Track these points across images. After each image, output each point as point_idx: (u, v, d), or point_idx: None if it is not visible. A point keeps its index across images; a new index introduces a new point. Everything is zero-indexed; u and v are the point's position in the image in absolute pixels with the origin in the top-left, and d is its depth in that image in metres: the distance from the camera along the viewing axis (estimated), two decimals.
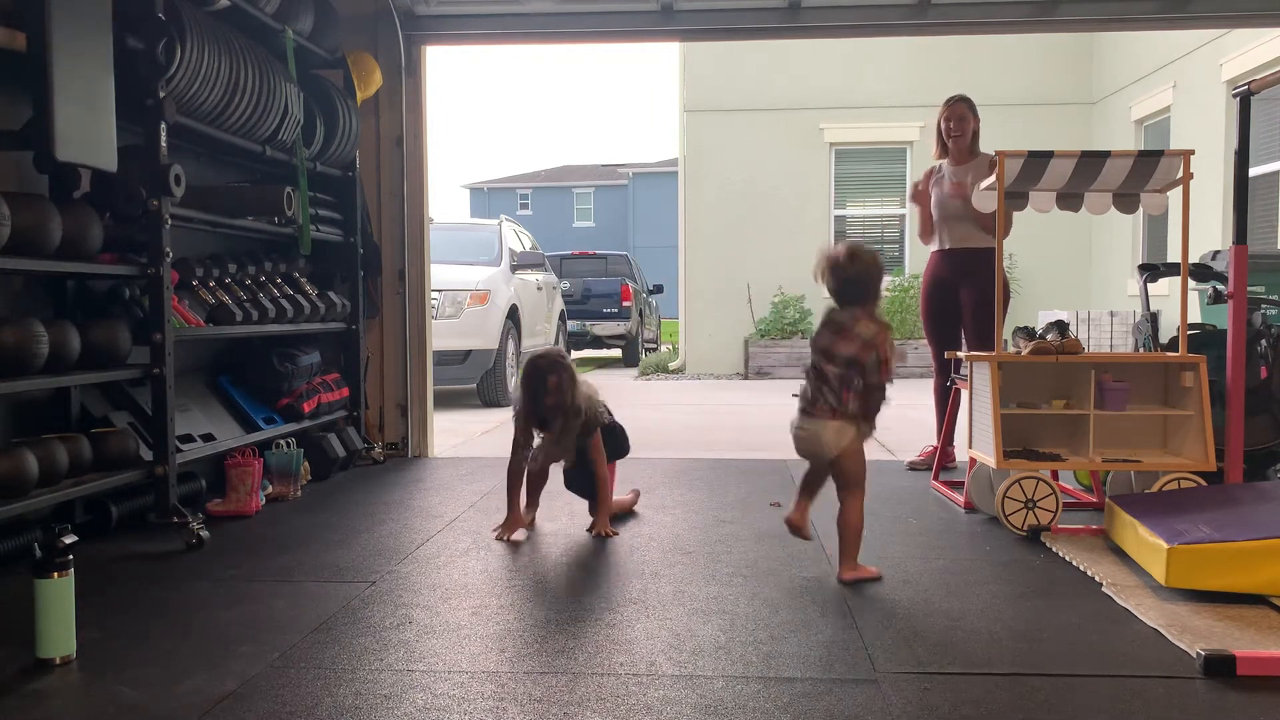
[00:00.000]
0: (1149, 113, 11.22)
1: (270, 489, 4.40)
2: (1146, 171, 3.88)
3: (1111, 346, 10.52)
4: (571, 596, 2.98)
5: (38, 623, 2.39)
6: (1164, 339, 4.68)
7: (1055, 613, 2.79)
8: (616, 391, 10.87)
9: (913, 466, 5.12)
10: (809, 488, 3.25)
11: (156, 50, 3.49)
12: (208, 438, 4.17)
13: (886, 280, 3.27)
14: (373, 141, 5.59)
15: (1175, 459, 3.85)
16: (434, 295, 6.70)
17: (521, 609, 2.86)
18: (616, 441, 3.97)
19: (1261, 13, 5.62)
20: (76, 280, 3.72)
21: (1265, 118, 8.52)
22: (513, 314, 9.43)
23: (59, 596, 2.41)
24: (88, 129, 3.09)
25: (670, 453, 6.01)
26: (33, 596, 2.40)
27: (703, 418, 8.20)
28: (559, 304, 12.22)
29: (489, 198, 44.58)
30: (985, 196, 4.28)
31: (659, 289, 19.01)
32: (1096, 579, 3.08)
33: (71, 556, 2.43)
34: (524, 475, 3.81)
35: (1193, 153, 3.87)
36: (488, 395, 8.96)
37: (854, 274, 3.13)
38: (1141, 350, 4.88)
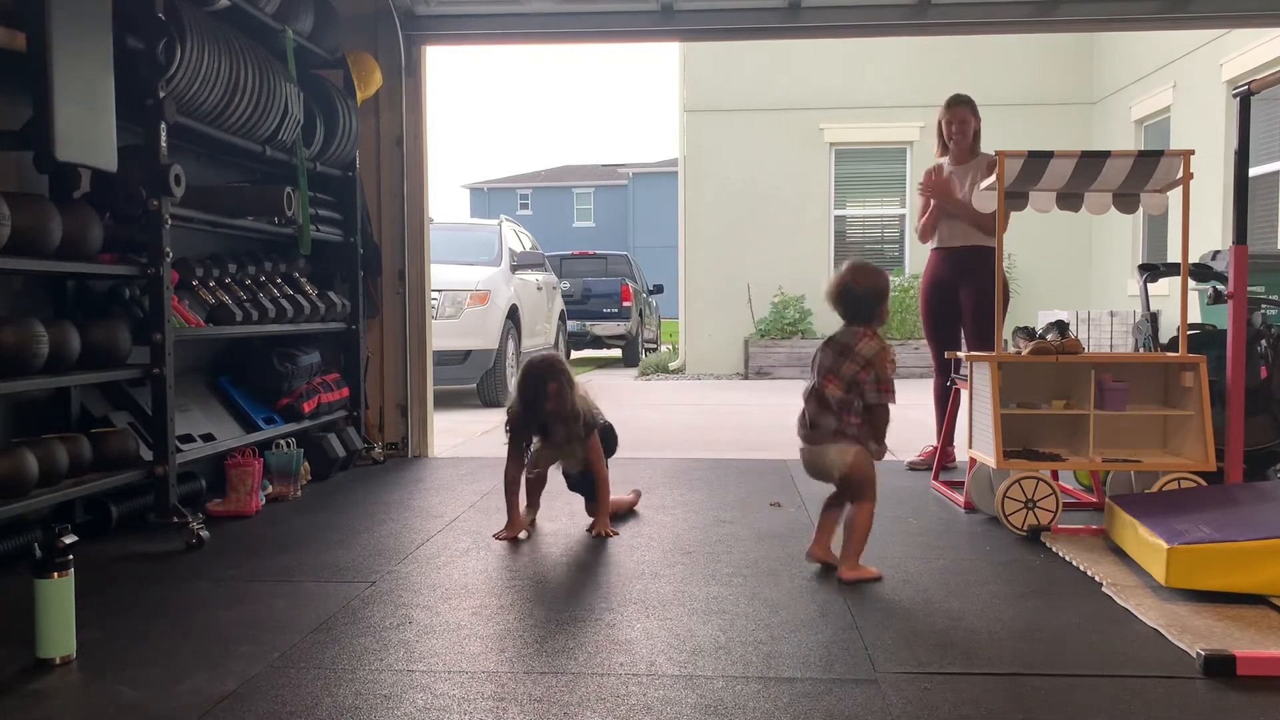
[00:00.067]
0: (1149, 113, 11.22)
1: (270, 489, 4.40)
2: (1146, 171, 3.88)
3: (1111, 346, 10.52)
4: (571, 596, 2.98)
5: (38, 623, 2.39)
6: (1164, 339, 4.68)
7: (1055, 613, 2.79)
8: (616, 391, 10.88)
9: (913, 466, 5.12)
10: (827, 518, 3.26)
11: (156, 50, 3.49)
12: (208, 438, 4.17)
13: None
14: (373, 141, 5.59)
15: (1175, 459, 3.85)
16: (434, 295, 6.70)
17: (521, 609, 2.86)
18: (607, 441, 3.97)
19: (1261, 13, 5.62)
20: (76, 280, 3.72)
21: (1265, 118, 8.52)
22: (513, 314, 9.43)
23: (59, 596, 2.41)
24: (88, 129, 3.09)
25: (670, 453, 6.01)
26: (33, 596, 2.40)
27: (703, 418, 8.20)
28: (559, 304, 12.22)
29: (489, 198, 44.58)
30: (985, 196, 4.28)
31: (659, 289, 19.01)
32: (1096, 579, 3.07)
33: (71, 556, 2.43)
34: (520, 480, 3.80)
35: (1193, 153, 3.87)
36: (488, 395, 8.96)
37: (858, 292, 3.15)
38: (1141, 350, 4.88)
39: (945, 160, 5.11)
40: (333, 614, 2.80)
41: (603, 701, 2.17)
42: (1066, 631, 2.63)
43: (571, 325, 14.32)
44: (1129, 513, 3.26)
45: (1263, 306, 4.42)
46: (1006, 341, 4.14)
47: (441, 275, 8.10)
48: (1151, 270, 4.75)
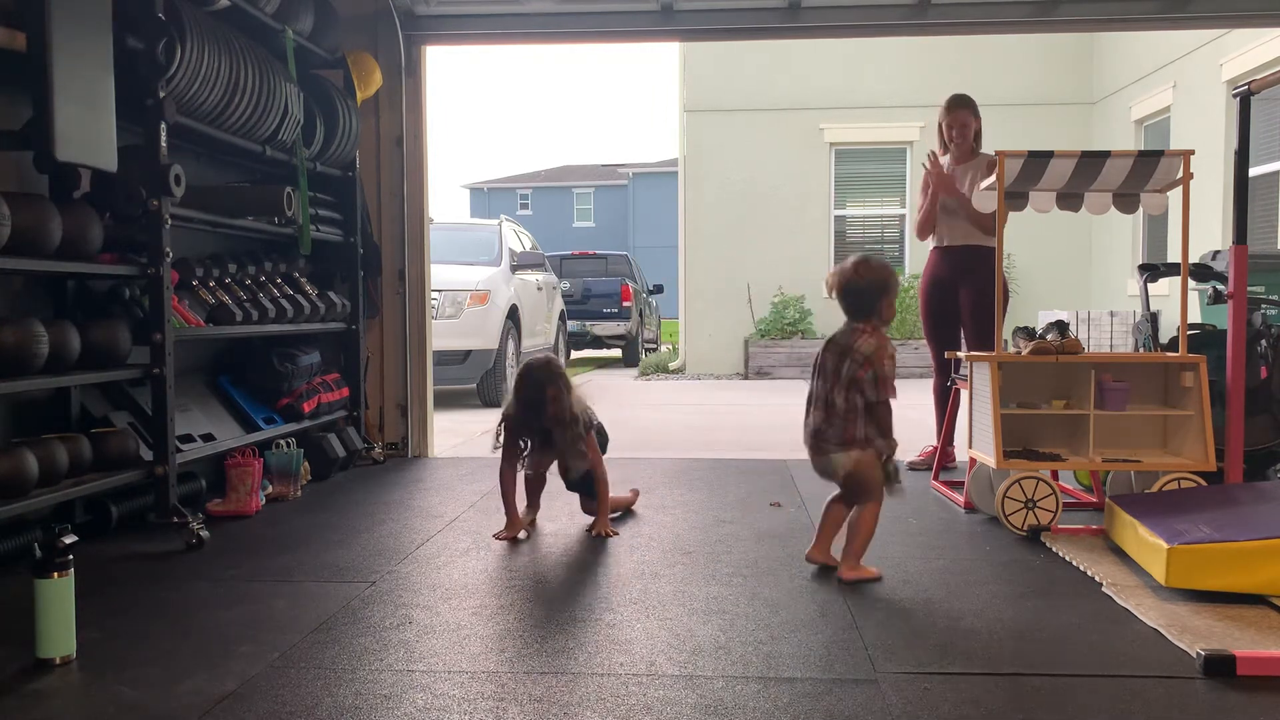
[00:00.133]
0: (1149, 113, 11.22)
1: (270, 489, 4.40)
2: (1146, 171, 3.88)
3: (1111, 346, 10.52)
4: (571, 596, 2.98)
5: (38, 623, 2.39)
6: (1164, 339, 4.68)
7: (1055, 613, 2.79)
8: (616, 391, 10.88)
9: (913, 466, 5.12)
10: (828, 521, 3.25)
11: (156, 50, 3.49)
12: (208, 438, 4.17)
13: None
14: (373, 141, 5.59)
15: (1175, 459, 3.85)
16: (434, 295, 6.70)
17: (521, 609, 2.86)
18: (598, 439, 3.97)
19: (1261, 13, 5.62)
20: (76, 280, 3.72)
21: (1265, 118, 8.52)
22: (513, 314, 9.43)
23: (59, 596, 2.41)
24: (88, 129, 3.09)
25: (670, 453, 6.01)
26: (33, 596, 2.40)
27: (703, 418, 8.20)
28: (559, 304, 12.22)
29: (489, 198, 44.58)
30: (985, 196, 4.28)
31: (659, 289, 19.01)
32: (1096, 579, 3.07)
33: (71, 556, 2.43)
34: (515, 481, 3.78)
35: (1193, 153, 3.87)
36: (488, 395, 8.96)
37: (859, 286, 3.13)
38: (1141, 350, 4.88)
39: (946, 159, 5.10)
40: (333, 614, 2.80)
41: (603, 701, 2.17)
42: (1066, 631, 2.63)
43: (571, 325, 14.32)
44: (1129, 513, 3.26)
45: (1263, 306, 4.42)
46: (1006, 341, 4.14)
47: (441, 275, 8.10)
48: (1151, 270, 4.75)
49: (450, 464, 5.49)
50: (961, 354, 4.29)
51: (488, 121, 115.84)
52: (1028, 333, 4.05)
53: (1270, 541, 2.81)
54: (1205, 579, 2.84)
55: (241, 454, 4.21)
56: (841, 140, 13.26)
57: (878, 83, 12.86)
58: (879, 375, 3.06)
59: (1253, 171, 6.35)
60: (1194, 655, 2.38)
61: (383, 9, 5.49)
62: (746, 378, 12.49)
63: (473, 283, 8.96)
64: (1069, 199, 4.16)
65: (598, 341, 16.08)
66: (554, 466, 3.91)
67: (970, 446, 4.09)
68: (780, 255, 13.08)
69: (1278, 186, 8.82)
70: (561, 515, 4.05)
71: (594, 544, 3.64)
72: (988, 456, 3.85)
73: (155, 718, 2.11)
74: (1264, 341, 4.15)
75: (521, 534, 3.73)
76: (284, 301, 4.69)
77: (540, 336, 10.82)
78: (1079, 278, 12.83)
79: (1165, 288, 9.32)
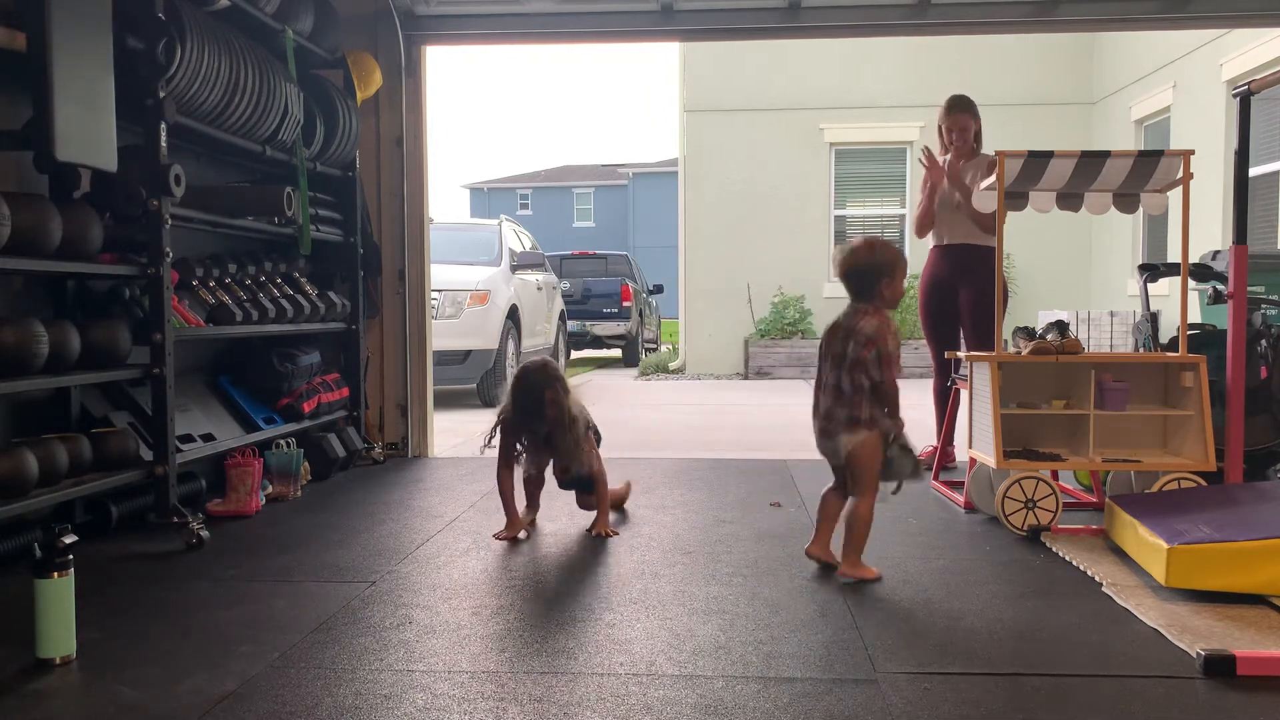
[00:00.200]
0: (1149, 113, 11.22)
1: (270, 489, 4.40)
2: (1146, 171, 3.88)
3: (1111, 346, 10.52)
4: (571, 596, 2.98)
5: (38, 623, 2.39)
6: (1164, 339, 4.68)
7: (1055, 613, 2.79)
8: (616, 391, 10.88)
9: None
10: (826, 514, 3.25)
11: (156, 50, 3.49)
12: (208, 438, 4.17)
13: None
14: (373, 141, 5.59)
15: (1175, 459, 3.85)
16: (434, 295, 6.70)
17: (521, 609, 2.86)
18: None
19: (1261, 13, 5.62)
20: (76, 280, 3.72)
21: (1265, 118, 8.52)
22: (513, 314, 9.43)
23: (59, 596, 2.41)
24: (88, 129, 3.09)
25: (670, 453, 6.01)
26: (33, 596, 2.40)
27: (703, 418, 8.20)
28: (559, 304, 12.22)
29: (489, 198, 44.58)
30: (985, 196, 4.28)
31: (659, 289, 19.01)
32: (1096, 579, 3.07)
33: (71, 556, 2.43)
34: (513, 481, 3.78)
35: (1193, 153, 3.87)
36: (488, 395, 8.96)
37: (860, 267, 3.13)
38: (1141, 350, 4.88)
39: (946, 158, 5.10)
40: (333, 614, 2.80)
41: (603, 701, 2.17)
42: (1066, 631, 2.63)
43: (571, 325, 14.32)
44: (1129, 513, 3.26)
45: (1263, 306, 4.42)
46: (1006, 341, 4.14)
47: (441, 275, 8.10)
48: (1151, 270, 4.75)
49: (450, 464, 5.49)
50: (961, 354, 4.30)
51: (488, 121, 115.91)
52: (1028, 333, 4.05)
53: (1270, 541, 2.81)
54: (1205, 579, 2.84)
55: (241, 454, 4.21)
56: (841, 140, 13.26)
57: (877, 83, 12.87)
58: (882, 354, 3.05)
59: (1253, 171, 6.35)
60: (1194, 655, 2.38)
61: (383, 9, 5.49)
62: (746, 378, 12.49)
63: (473, 283, 8.96)
64: (1069, 199, 4.16)
65: (598, 341, 16.08)
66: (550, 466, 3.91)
67: (970, 446, 4.09)
68: (780, 255, 13.08)
69: (1278, 186, 8.82)
70: (561, 515, 4.05)
71: (594, 544, 3.64)
72: (988, 456, 3.85)
73: (155, 718, 2.11)
74: (1264, 341, 4.15)
75: (521, 534, 3.73)
76: (284, 301, 4.69)
77: (540, 336, 10.82)
78: (1079, 278, 12.83)
79: (1165, 288, 9.32)
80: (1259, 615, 2.71)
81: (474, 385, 9.02)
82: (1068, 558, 3.33)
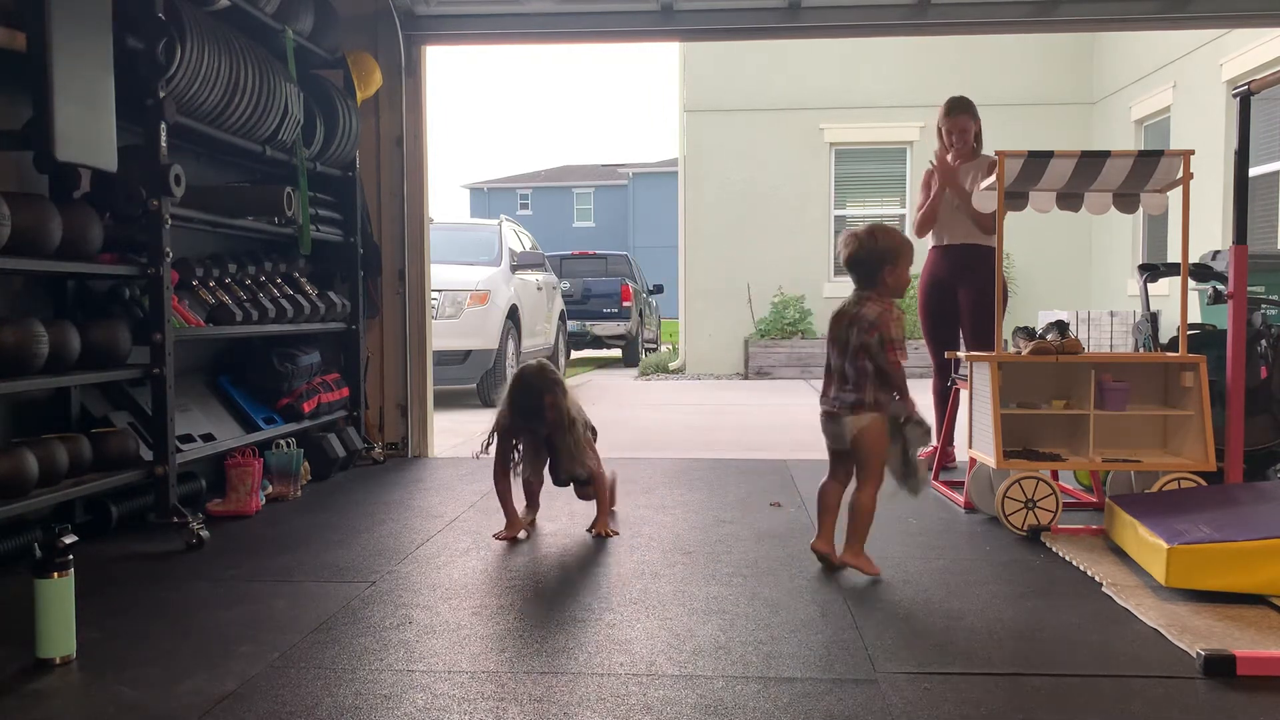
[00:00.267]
0: (1149, 113, 11.22)
1: (270, 489, 4.40)
2: (1146, 171, 3.88)
3: (1111, 346, 10.52)
4: (571, 596, 2.98)
5: (38, 623, 2.39)
6: (1164, 339, 4.68)
7: (1055, 613, 2.79)
8: (616, 391, 10.88)
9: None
10: (826, 508, 3.25)
11: (156, 50, 3.49)
12: (208, 438, 4.17)
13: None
14: (373, 141, 5.59)
15: (1175, 459, 3.85)
16: (434, 295, 6.70)
17: (521, 609, 2.86)
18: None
19: (1261, 13, 5.62)
20: (76, 280, 3.72)
21: (1265, 118, 8.52)
22: (513, 314, 9.43)
23: (59, 596, 2.41)
24: (88, 129, 3.09)
25: (670, 453, 6.01)
26: (33, 596, 2.40)
27: (703, 418, 8.20)
28: (559, 304, 12.22)
29: (489, 198, 44.58)
30: (985, 196, 4.28)
31: (659, 289, 19.01)
32: (1096, 579, 3.07)
33: (71, 556, 2.43)
34: (510, 482, 3.77)
35: (1193, 153, 3.87)
36: (488, 395, 8.96)
37: (860, 255, 3.13)
38: (1141, 350, 4.88)
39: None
40: (333, 614, 2.80)
41: (603, 701, 2.17)
42: (1066, 631, 2.63)
43: (571, 325, 14.32)
44: (1129, 513, 3.26)
45: (1263, 306, 4.42)
46: (1006, 341, 4.14)
47: (441, 275, 8.10)
48: (1151, 270, 4.75)
49: (450, 464, 5.49)
50: (961, 354, 4.30)
51: (488, 121, 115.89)
52: (1028, 333, 4.05)
53: (1270, 541, 2.81)
54: (1205, 579, 2.84)
55: (241, 454, 4.21)
56: (841, 140, 13.26)
57: (877, 83, 12.87)
58: (885, 338, 3.05)
59: (1253, 171, 6.34)
60: (1194, 655, 2.38)
61: (383, 9, 5.49)
62: (746, 378, 12.49)
63: (473, 283, 8.96)
64: (1069, 199, 4.16)
65: (598, 341, 16.08)
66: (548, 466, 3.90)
67: (970, 446, 4.09)
68: (780, 255, 13.08)
69: (1278, 186, 8.82)
70: (561, 515, 4.05)
71: (594, 544, 3.64)
72: (988, 456, 3.85)
73: (155, 718, 2.11)
74: (1264, 341, 4.15)
75: (521, 534, 3.73)
76: (284, 301, 4.69)
77: (540, 336, 10.82)
78: (1079, 278, 12.83)
79: (1165, 288, 9.32)
80: (1259, 615, 2.71)
81: (474, 385, 9.02)
82: (1068, 558, 3.33)
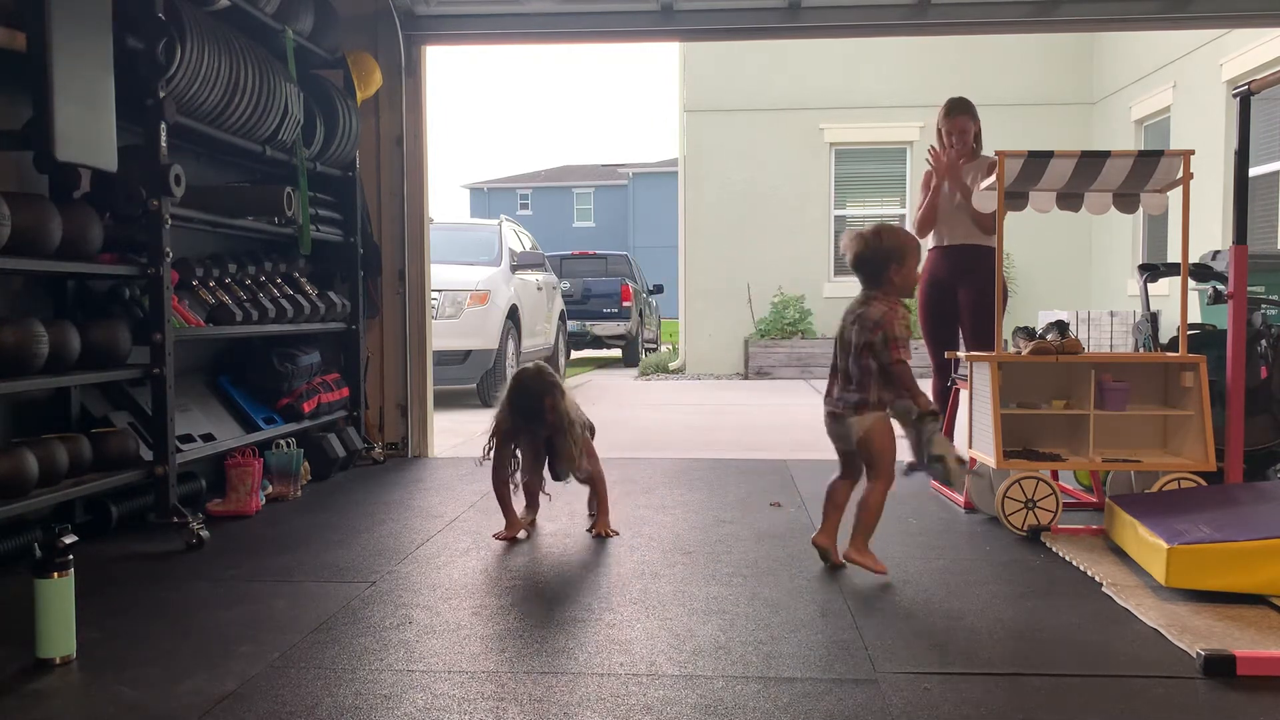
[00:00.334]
0: (1149, 113, 11.22)
1: (270, 489, 4.40)
2: (1146, 171, 3.88)
3: (1111, 346, 10.52)
4: (571, 596, 2.98)
5: (38, 623, 2.39)
6: (1164, 339, 4.68)
7: (1055, 613, 2.79)
8: (616, 391, 10.88)
9: (912, 467, 5.11)
10: (832, 505, 3.25)
11: (156, 50, 3.49)
12: (208, 438, 4.17)
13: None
14: (373, 141, 5.59)
15: (1175, 459, 3.85)
16: (434, 295, 6.70)
17: (521, 609, 2.86)
18: None
19: (1261, 13, 5.62)
20: (76, 280, 3.72)
21: (1265, 118, 8.52)
22: (513, 314, 9.43)
23: (59, 596, 2.41)
24: (88, 129, 3.09)
25: (670, 453, 6.01)
26: (33, 596, 2.40)
27: (703, 418, 8.20)
28: (559, 304, 12.22)
29: (489, 198, 44.58)
30: (985, 196, 4.28)
31: (659, 289, 19.01)
32: (1096, 579, 3.07)
33: (71, 556, 2.43)
34: (509, 484, 3.77)
35: (1193, 153, 3.87)
36: (488, 395, 8.95)
37: (865, 254, 3.13)
38: (1141, 350, 4.88)
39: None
40: (333, 614, 2.80)
41: (603, 701, 2.17)
42: (1066, 631, 2.63)
43: (571, 325, 14.32)
44: (1129, 513, 3.26)
45: (1263, 306, 4.42)
46: (1006, 341, 4.14)
47: (441, 275, 8.10)
48: (1151, 270, 4.75)
49: (450, 464, 5.49)
50: (961, 354, 4.30)
51: (488, 121, 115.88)
52: (1028, 333, 4.05)
53: (1270, 541, 2.81)
54: (1205, 579, 2.84)
55: (241, 454, 4.21)
56: (841, 140, 13.26)
57: (877, 83, 12.87)
58: (889, 337, 3.05)
59: (1253, 171, 6.34)
60: (1194, 655, 2.38)
61: (383, 9, 5.49)
62: (746, 378, 12.49)
63: (473, 283, 8.96)
64: (1069, 199, 4.16)
65: (598, 341, 16.08)
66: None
67: (970, 446, 4.09)
68: (780, 255, 13.08)
69: (1278, 186, 8.82)
70: (561, 515, 4.05)
71: (594, 544, 3.64)
72: (988, 456, 3.85)
73: (155, 718, 2.11)
74: (1264, 341, 4.15)
75: (521, 534, 3.73)
76: (284, 301, 4.69)
77: (540, 336, 10.82)
78: (1079, 278, 12.84)
79: (1165, 288, 9.32)
80: (1259, 615, 2.71)
81: (474, 385, 9.02)
82: (1068, 558, 3.33)
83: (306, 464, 4.76)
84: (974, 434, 4.05)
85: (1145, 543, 3.04)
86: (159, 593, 3.03)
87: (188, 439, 4.03)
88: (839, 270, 13.13)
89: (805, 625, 2.69)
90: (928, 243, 5.24)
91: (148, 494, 3.79)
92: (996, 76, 12.23)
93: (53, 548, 2.41)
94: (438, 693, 2.23)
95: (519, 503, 3.86)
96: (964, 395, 4.26)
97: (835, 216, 13.39)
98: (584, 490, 3.93)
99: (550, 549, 3.59)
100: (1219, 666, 2.31)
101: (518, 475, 3.77)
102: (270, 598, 2.96)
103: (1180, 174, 3.85)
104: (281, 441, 4.53)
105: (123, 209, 3.56)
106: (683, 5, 5.58)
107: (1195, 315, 6.39)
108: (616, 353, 16.78)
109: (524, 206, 44.62)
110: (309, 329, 4.97)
